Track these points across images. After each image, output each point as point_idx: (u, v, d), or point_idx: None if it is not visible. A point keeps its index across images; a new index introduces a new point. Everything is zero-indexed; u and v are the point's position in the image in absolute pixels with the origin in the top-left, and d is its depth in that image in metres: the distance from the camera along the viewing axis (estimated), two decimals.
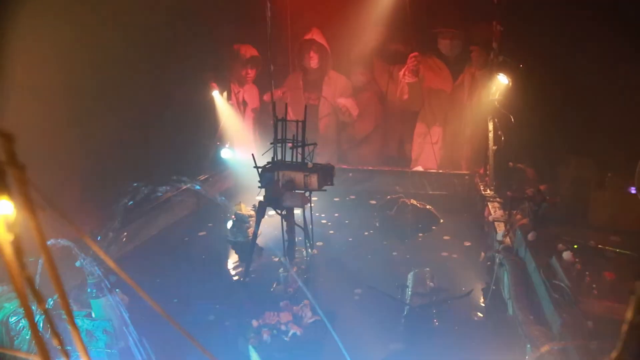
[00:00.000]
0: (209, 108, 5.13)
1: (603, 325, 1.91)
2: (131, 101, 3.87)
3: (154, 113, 4.12)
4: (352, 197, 4.94)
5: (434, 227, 4.22)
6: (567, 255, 2.42)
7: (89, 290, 2.40)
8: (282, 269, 3.12)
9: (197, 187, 4.39)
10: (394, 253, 3.70)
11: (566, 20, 3.82)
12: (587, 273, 2.21)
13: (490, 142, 4.27)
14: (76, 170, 3.46)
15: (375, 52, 5.54)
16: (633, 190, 2.67)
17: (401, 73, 5.13)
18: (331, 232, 4.14)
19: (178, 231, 4.14)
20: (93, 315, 2.40)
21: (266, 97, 5.57)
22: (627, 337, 0.80)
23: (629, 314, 0.80)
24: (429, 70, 5.18)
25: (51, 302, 2.01)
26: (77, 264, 2.43)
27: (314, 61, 5.46)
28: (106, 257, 1.15)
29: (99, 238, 3.44)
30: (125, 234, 3.73)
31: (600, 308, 2.02)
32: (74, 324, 0.87)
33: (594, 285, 2.13)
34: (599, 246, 2.54)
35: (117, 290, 2.50)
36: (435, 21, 5.15)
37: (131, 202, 3.66)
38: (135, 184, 3.70)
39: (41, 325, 1.85)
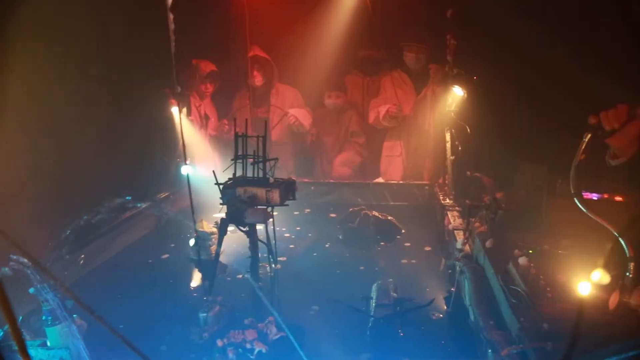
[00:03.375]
0: (168, 124, 5.06)
1: (557, 326, 1.98)
2: (87, 119, 3.78)
3: (110, 131, 4.03)
4: (308, 210, 4.94)
5: (398, 237, 4.28)
6: (523, 260, 2.51)
7: (43, 317, 2.30)
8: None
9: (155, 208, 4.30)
10: (361, 267, 3.71)
11: (514, 33, 4.00)
12: (541, 277, 2.30)
13: (448, 152, 4.39)
14: (28, 191, 3.34)
15: (346, 67, 5.62)
16: (585, 195, 2.79)
17: (382, 112, 5.18)
18: (292, 246, 4.13)
19: (139, 252, 4.04)
20: (48, 343, 2.30)
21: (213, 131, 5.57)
22: (573, 338, 0.83)
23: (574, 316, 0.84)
24: (395, 85, 5.28)
25: (1, 333, 1.92)
26: (31, 290, 2.33)
27: (258, 79, 5.52)
28: (61, 284, 1.12)
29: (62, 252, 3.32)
30: (82, 256, 3.61)
31: (555, 310, 2.10)
32: (26, 356, 0.84)
33: (548, 289, 2.21)
34: (553, 250, 2.64)
35: (74, 315, 2.42)
36: (400, 30, 5.28)
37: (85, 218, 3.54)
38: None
39: None
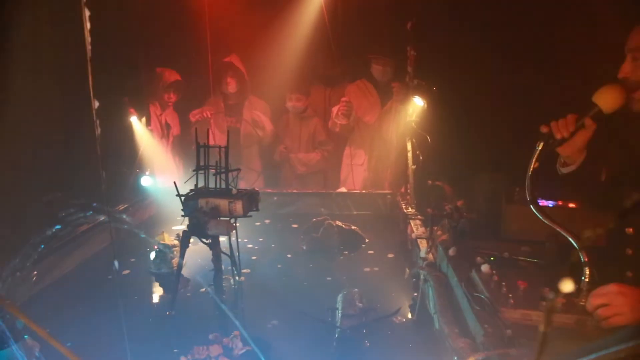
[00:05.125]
0: (127, 134, 4.93)
1: (520, 332, 2.02)
2: (41, 130, 3.62)
3: (67, 141, 3.88)
4: (268, 221, 4.90)
5: (363, 246, 4.30)
6: (485, 267, 2.56)
7: None
8: None
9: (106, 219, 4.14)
10: (328, 278, 3.69)
11: (472, 44, 4.11)
12: (503, 283, 2.35)
13: (410, 162, 4.46)
14: None
15: (310, 75, 5.65)
16: (541, 202, 2.89)
17: (334, 111, 5.24)
18: (254, 257, 4.07)
19: (97, 266, 3.88)
20: None
21: (192, 117, 5.49)
22: (540, 348, 0.85)
23: (540, 326, 0.86)
24: (359, 94, 5.33)
25: None
26: None
27: (231, 86, 5.50)
28: (9, 304, 1.05)
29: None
30: (35, 272, 3.43)
31: (517, 315, 2.15)
32: None
33: (510, 295, 2.26)
34: (513, 257, 2.71)
35: (25, 337, 2.29)
36: (362, 41, 5.35)
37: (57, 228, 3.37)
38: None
39: None
